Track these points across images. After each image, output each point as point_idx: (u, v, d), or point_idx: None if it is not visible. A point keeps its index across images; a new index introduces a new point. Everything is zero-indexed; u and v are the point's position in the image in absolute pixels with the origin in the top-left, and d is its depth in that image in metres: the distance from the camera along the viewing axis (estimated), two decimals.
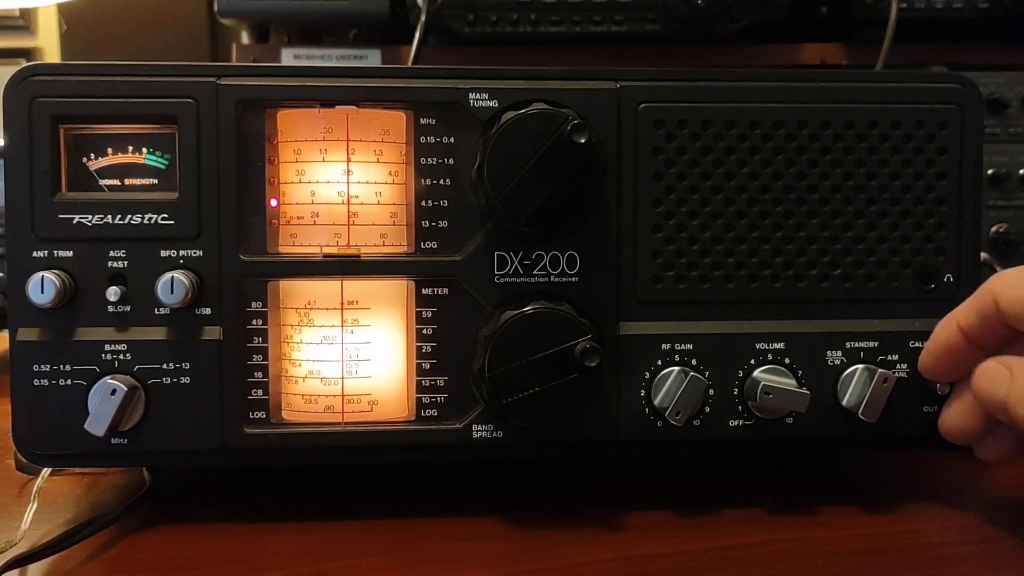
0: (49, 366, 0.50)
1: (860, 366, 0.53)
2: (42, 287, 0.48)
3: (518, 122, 0.49)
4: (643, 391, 0.52)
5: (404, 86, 0.52)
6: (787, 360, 0.53)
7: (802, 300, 0.54)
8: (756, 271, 0.53)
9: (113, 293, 0.50)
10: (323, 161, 0.51)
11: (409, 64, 0.94)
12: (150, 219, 0.50)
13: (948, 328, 0.51)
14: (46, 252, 0.50)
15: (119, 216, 0.50)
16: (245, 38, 1.12)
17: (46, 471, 0.54)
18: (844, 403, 0.53)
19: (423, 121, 0.52)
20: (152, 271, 0.50)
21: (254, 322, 0.51)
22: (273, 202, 0.51)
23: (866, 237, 0.54)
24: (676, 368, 0.52)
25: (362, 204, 0.52)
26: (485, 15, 1.00)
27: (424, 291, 0.52)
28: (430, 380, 0.52)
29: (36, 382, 0.50)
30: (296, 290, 0.52)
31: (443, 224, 0.52)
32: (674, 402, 0.51)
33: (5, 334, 0.52)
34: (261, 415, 0.51)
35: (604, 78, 0.52)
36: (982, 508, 0.54)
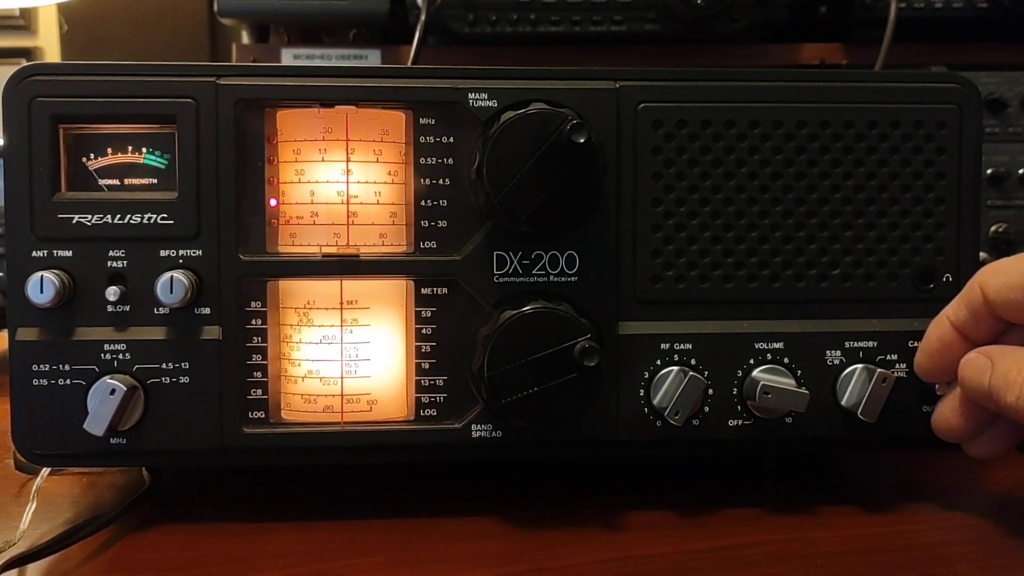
0: (48, 366, 0.50)
1: (859, 366, 0.53)
2: (41, 287, 0.48)
3: (517, 122, 0.49)
4: (642, 391, 0.53)
5: (404, 86, 0.52)
6: (786, 360, 0.53)
7: (801, 300, 0.54)
8: (755, 271, 0.53)
9: (112, 293, 0.50)
10: (322, 161, 0.51)
11: (409, 64, 0.94)
12: (149, 219, 0.50)
13: (940, 326, 0.51)
14: (45, 252, 0.50)
15: (118, 216, 0.50)
16: (245, 38, 1.12)
17: (45, 471, 0.54)
18: (843, 403, 0.53)
19: (422, 121, 0.52)
20: (151, 271, 0.50)
21: (253, 322, 0.51)
22: (272, 202, 0.52)
23: (865, 237, 0.54)
24: (675, 368, 0.52)
25: (361, 204, 0.52)
26: (485, 15, 1.00)
27: (423, 291, 0.52)
28: (429, 380, 0.52)
29: (35, 382, 0.50)
30: (295, 290, 0.52)
31: (442, 224, 0.52)
32: (673, 402, 0.51)
33: (4, 334, 0.52)
34: (260, 415, 0.51)
35: (603, 78, 0.52)
36: (981, 508, 0.54)
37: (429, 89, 0.52)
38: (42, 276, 0.49)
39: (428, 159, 0.52)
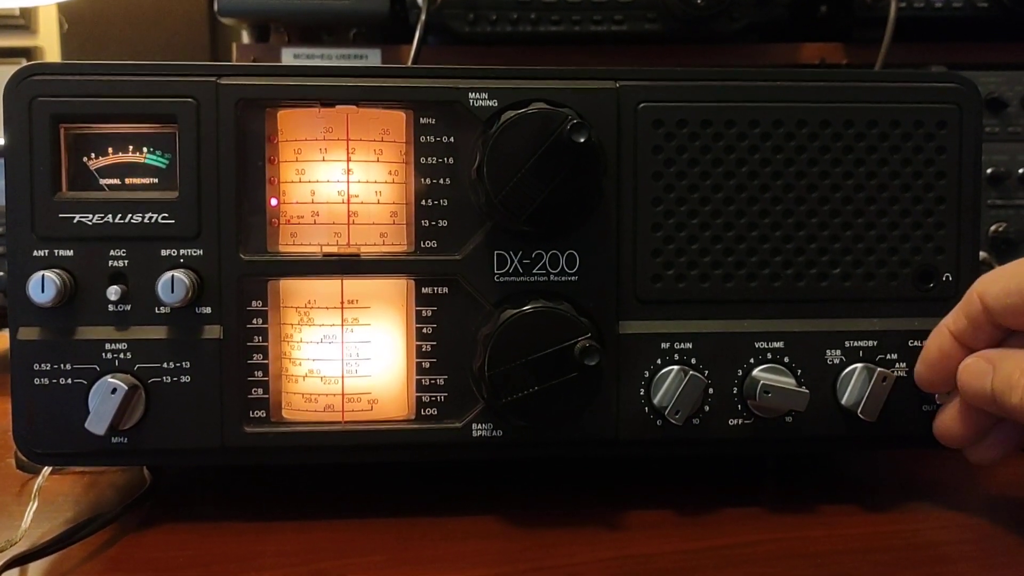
0: (49, 365, 0.50)
1: (859, 365, 0.53)
2: (42, 286, 0.49)
3: (518, 121, 0.49)
4: (642, 390, 0.53)
5: (404, 85, 0.52)
6: (786, 359, 0.53)
7: (801, 299, 0.54)
8: (755, 270, 0.53)
9: (113, 292, 0.50)
10: (323, 160, 0.51)
11: (409, 63, 0.94)
12: (150, 218, 0.50)
13: (940, 336, 0.51)
14: (46, 251, 0.50)
15: (119, 215, 0.50)
16: (245, 37, 1.12)
17: (46, 470, 0.54)
18: (843, 402, 0.53)
19: (423, 120, 0.52)
20: (152, 270, 0.50)
21: (254, 321, 0.51)
22: (273, 201, 0.52)
23: (865, 236, 0.54)
24: (675, 367, 0.52)
25: (362, 203, 0.52)
26: (485, 14, 1.00)
27: (424, 290, 0.52)
28: (430, 379, 0.52)
29: (36, 381, 0.50)
30: (296, 289, 0.52)
31: (443, 223, 0.52)
32: (673, 401, 0.51)
33: (6, 333, 0.52)
34: (261, 414, 0.51)
35: (603, 77, 0.52)
36: (981, 507, 0.54)
37: (429, 89, 0.52)
38: (43, 275, 0.49)
39: (428, 158, 0.52)
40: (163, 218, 0.50)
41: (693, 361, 0.53)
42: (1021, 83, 0.94)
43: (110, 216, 0.50)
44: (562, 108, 0.50)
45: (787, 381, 0.52)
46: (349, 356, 0.52)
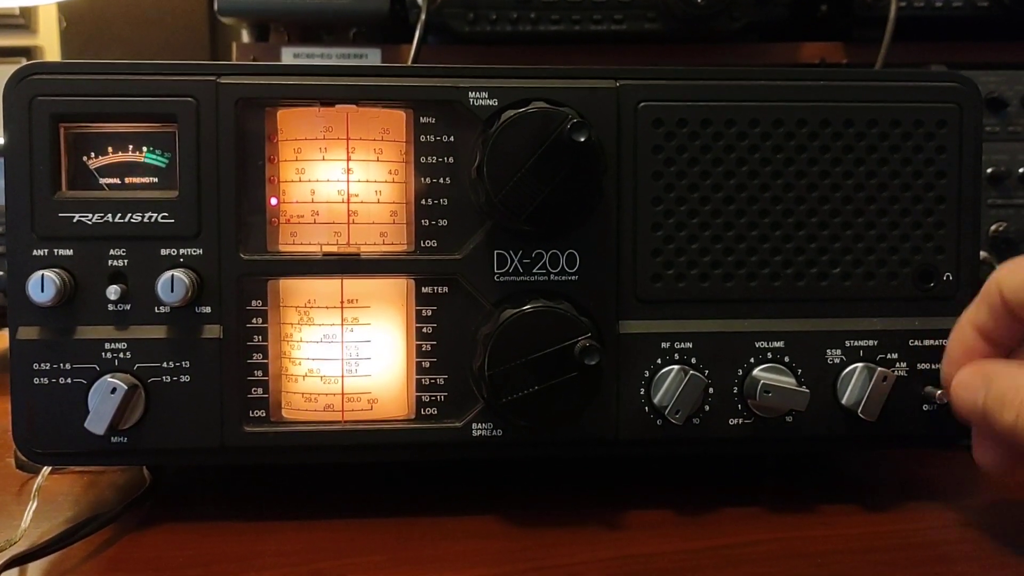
0: (49, 364, 0.50)
1: (859, 365, 0.53)
2: (42, 286, 0.48)
3: (518, 121, 0.49)
4: (643, 390, 0.53)
5: (404, 85, 0.52)
6: (787, 359, 0.53)
7: (801, 299, 0.54)
8: (755, 270, 0.53)
9: (113, 292, 0.50)
10: (323, 160, 0.51)
11: (409, 63, 0.94)
12: (150, 218, 0.50)
13: (961, 331, 0.49)
14: (46, 251, 0.50)
15: (119, 215, 0.50)
16: (245, 37, 1.12)
17: (46, 469, 0.54)
18: (843, 402, 0.53)
19: (423, 120, 0.52)
20: (152, 270, 0.50)
21: (254, 321, 0.51)
22: (273, 201, 0.52)
23: (865, 236, 0.54)
24: (676, 367, 0.52)
25: (362, 203, 0.52)
26: (485, 14, 1.00)
27: (424, 290, 0.52)
28: (430, 379, 0.52)
29: (36, 380, 0.50)
30: (296, 289, 0.52)
31: (443, 223, 0.52)
32: (674, 401, 0.51)
33: (5, 332, 0.52)
34: (261, 414, 0.51)
35: (604, 77, 0.52)
36: (981, 507, 0.54)
37: (429, 88, 0.52)
38: (43, 275, 0.49)
39: (428, 158, 0.52)
40: (163, 217, 0.50)
41: (693, 361, 0.53)
42: (1021, 83, 0.94)
43: (110, 215, 0.50)
44: (562, 107, 0.50)
45: (787, 381, 0.52)
46: (349, 356, 0.52)
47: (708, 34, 1.03)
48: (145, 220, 0.50)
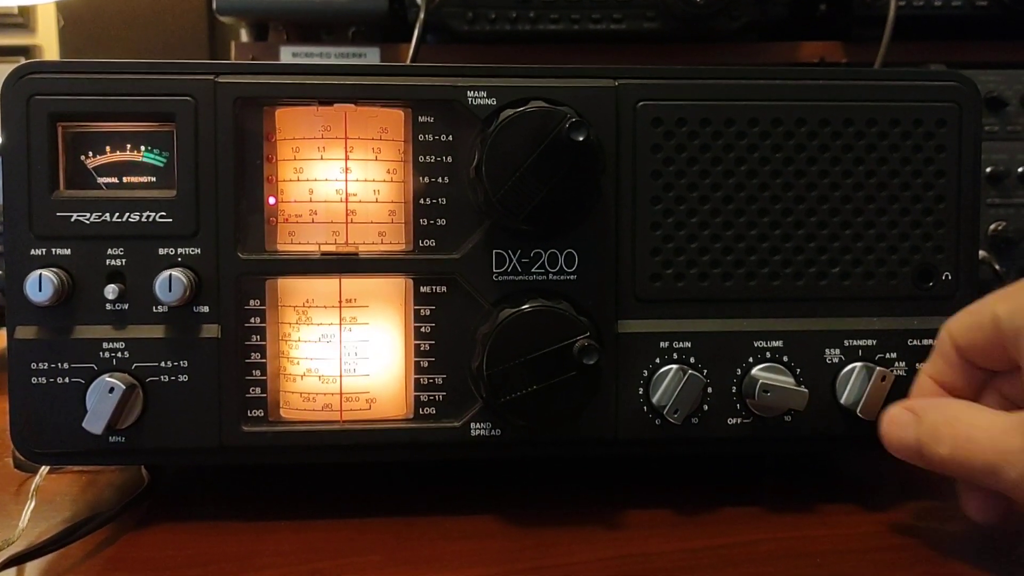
0: (47, 364, 0.50)
1: (858, 364, 0.53)
2: (40, 285, 0.48)
3: (516, 120, 0.49)
4: (641, 389, 0.52)
5: (403, 84, 0.52)
6: (785, 358, 0.53)
7: (800, 298, 0.54)
8: (754, 269, 0.53)
9: (111, 291, 0.50)
10: (321, 159, 0.51)
11: (408, 62, 0.94)
12: (148, 217, 0.50)
13: (920, 385, 0.49)
14: (44, 250, 0.50)
15: (117, 214, 0.50)
16: (244, 36, 1.12)
17: (44, 469, 0.54)
18: (842, 401, 0.53)
19: (421, 119, 0.52)
20: (150, 269, 0.50)
21: (252, 320, 0.51)
22: (271, 200, 0.51)
23: (864, 235, 0.54)
24: (674, 366, 0.52)
25: (360, 202, 0.52)
26: (484, 13, 1.00)
27: (422, 289, 0.52)
28: (428, 378, 0.52)
29: (34, 380, 0.50)
30: (294, 288, 0.52)
31: (441, 222, 0.52)
32: (672, 400, 0.51)
33: (3, 332, 0.52)
34: (259, 413, 0.51)
35: (602, 76, 0.52)
36: None
37: (428, 87, 0.51)
38: (41, 274, 0.48)
39: (427, 157, 0.52)
40: (161, 217, 0.50)
41: (692, 360, 0.53)
42: (1020, 82, 0.94)
43: (108, 215, 0.50)
44: (561, 107, 0.50)
45: (786, 380, 0.52)
46: (347, 355, 0.52)
47: (707, 33, 1.03)
48: (143, 219, 0.50)
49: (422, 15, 0.95)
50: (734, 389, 0.53)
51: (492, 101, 0.51)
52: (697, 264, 0.53)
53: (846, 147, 0.53)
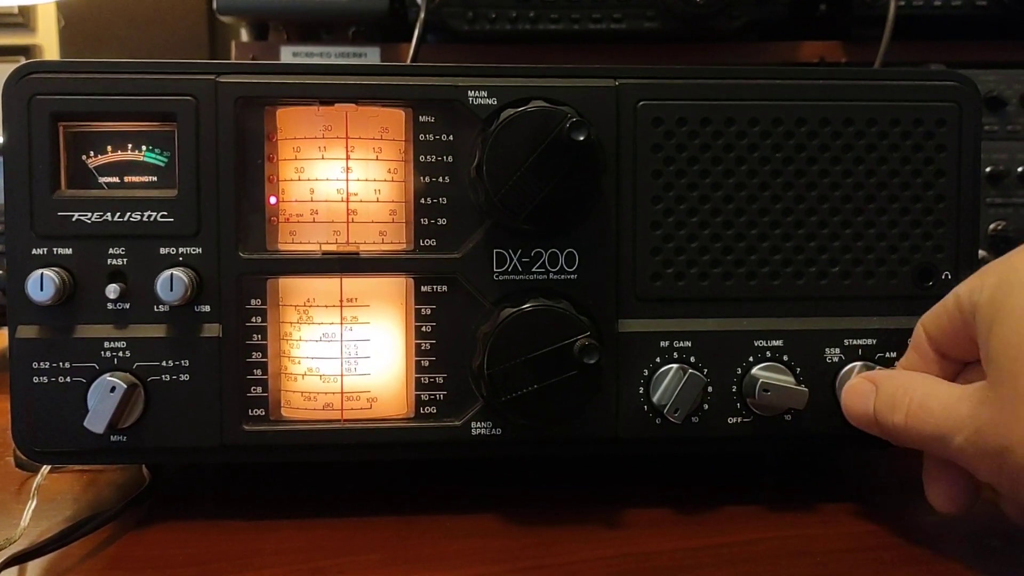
0: (48, 363, 0.50)
1: (859, 363, 0.53)
2: (41, 284, 0.48)
3: (517, 119, 0.49)
4: (642, 388, 0.53)
5: (403, 83, 0.52)
6: (785, 357, 0.53)
7: (801, 297, 0.54)
8: (755, 268, 0.53)
9: (112, 290, 0.50)
10: (322, 159, 0.51)
11: (408, 61, 0.94)
12: (149, 216, 0.50)
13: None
14: (45, 249, 0.50)
15: (118, 213, 0.50)
16: (244, 35, 1.12)
17: (45, 468, 0.54)
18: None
19: (422, 119, 0.52)
20: (151, 268, 0.50)
21: (253, 319, 0.51)
22: (272, 199, 0.52)
23: (864, 234, 0.54)
24: (675, 365, 0.52)
25: (361, 202, 0.52)
26: (484, 13, 1.00)
27: (423, 288, 0.52)
28: (429, 377, 0.52)
29: (35, 379, 0.50)
30: (295, 287, 0.52)
31: (442, 222, 0.52)
32: (673, 399, 0.51)
33: (5, 331, 0.52)
34: (260, 412, 0.51)
35: (603, 76, 0.52)
36: (980, 507, 0.54)
37: (429, 87, 0.52)
38: (42, 274, 0.49)
39: (428, 157, 0.52)
40: (162, 216, 0.50)
41: (692, 359, 0.53)
42: (1020, 82, 0.95)
43: (109, 214, 0.50)
44: (561, 106, 0.50)
45: (786, 379, 0.52)
46: (348, 354, 0.52)
47: (707, 33, 1.03)
48: (144, 219, 0.50)
49: (422, 15, 0.95)
50: (734, 388, 0.53)
51: (493, 101, 0.51)
52: (697, 263, 0.53)
53: (846, 147, 0.53)
